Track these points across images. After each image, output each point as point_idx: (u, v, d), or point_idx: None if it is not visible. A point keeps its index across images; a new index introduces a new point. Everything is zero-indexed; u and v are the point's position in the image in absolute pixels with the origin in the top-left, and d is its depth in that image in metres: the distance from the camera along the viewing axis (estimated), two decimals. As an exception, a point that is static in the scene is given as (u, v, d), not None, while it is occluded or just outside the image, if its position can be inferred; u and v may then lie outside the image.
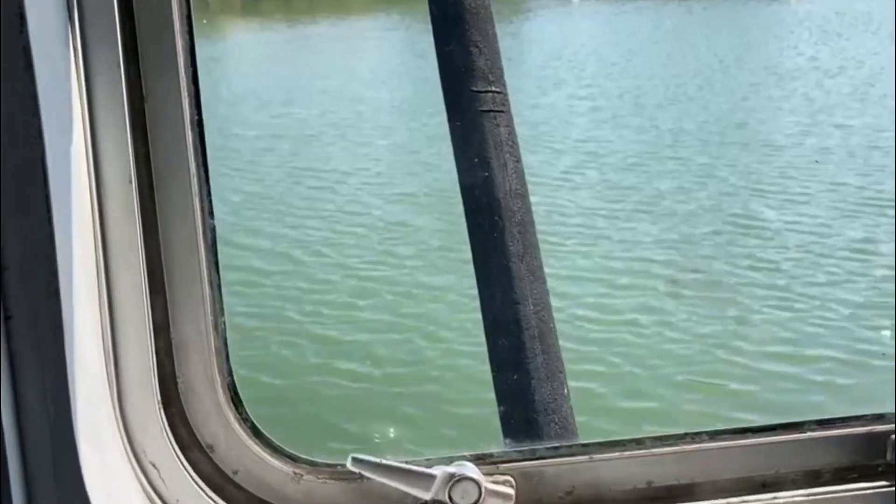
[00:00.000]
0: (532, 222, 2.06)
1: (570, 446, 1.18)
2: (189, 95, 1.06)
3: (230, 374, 1.12)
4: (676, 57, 17.97)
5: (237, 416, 1.12)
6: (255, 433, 1.12)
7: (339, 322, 6.90)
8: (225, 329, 1.12)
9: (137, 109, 1.04)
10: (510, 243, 2.00)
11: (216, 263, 1.10)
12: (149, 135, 1.04)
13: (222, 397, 1.11)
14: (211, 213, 1.09)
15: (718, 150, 10.94)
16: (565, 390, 1.93)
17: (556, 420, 1.90)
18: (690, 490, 1.17)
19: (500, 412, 1.96)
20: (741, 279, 7.23)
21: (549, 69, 17.07)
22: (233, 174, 10.73)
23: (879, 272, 7.06)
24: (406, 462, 1.14)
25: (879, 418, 1.20)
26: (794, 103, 13.38)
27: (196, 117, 1.07)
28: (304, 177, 10.75)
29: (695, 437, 1.19)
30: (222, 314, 1.11)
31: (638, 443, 1.18)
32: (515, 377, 1.92)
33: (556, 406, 1.91)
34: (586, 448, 1.18)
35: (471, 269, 1.98)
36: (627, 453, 1.18)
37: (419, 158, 11.21)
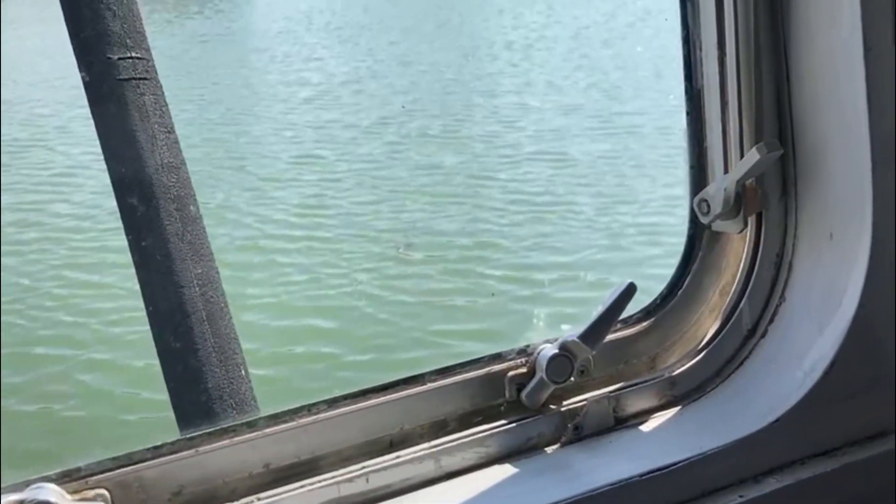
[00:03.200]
0: (191, 196, 1.91)
1: (173, 443, 1.05)
2: None
3: None
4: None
5: None
6: None
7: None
8: None
9: None
10: (167, 222, 1.83)
11: None
12: None
13: None
14: None
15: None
16: (242, 371, 1.82)
17: (234, 404, 1.78)
18: (313, 464, 1.09)
19: (173, 405, 1.81)
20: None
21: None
22: None
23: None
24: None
25: (496, 358, 1.18)
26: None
27: None
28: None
29: (312, 408, 1.10)
30: None
31: (250, 426, 1.07)
32: (185, 366, 1.78)
33: (233, 390, 1.79)
34: (191, 442, 1.05)
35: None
36: (238, 439, 1.07)
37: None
